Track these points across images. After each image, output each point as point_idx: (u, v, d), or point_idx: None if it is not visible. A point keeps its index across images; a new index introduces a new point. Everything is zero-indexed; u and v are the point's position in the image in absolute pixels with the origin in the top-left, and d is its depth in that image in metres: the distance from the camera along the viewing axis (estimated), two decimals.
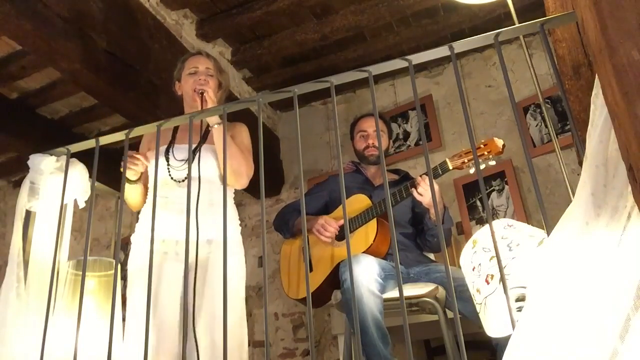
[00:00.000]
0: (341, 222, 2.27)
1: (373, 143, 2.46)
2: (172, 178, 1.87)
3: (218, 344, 1.67)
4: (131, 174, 1.85)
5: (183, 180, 1.85)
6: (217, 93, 2.03)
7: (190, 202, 1.29)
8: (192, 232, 1.75)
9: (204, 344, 1.68)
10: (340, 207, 2.35)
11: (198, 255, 1.78)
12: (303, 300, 2.35)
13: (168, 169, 1.89)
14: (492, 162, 2.05)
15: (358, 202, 2.30)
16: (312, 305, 2.45)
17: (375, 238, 2.16)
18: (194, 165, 1.84)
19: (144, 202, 1.98)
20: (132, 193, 1.94)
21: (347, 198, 2.33)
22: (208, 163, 1.89)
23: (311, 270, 2.31)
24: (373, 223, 2.21)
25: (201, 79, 1.95)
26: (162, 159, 1.90)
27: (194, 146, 1.90)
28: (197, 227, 1.76)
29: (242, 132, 2.04)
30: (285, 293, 2.45)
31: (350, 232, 2.25)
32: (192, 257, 1.78)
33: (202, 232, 1.78)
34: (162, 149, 1.93)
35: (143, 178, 1.96)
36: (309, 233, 2.36)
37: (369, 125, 2.50)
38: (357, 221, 2.25)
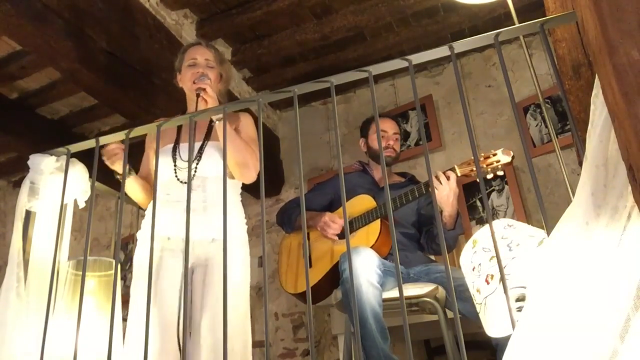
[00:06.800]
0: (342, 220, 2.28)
1: (393, 145, 2.49)
2: (178, 179, 1.85)
3: (222, 343, 1.67)
4: (118, 166, 1.79)
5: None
6: (218, 85, 1.97)
7: (190, 203, 1.29)
8: (198, 231, 1.76)
9: (208, 343, 1.68)
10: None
11: (201, 254, 1.78)
12: (299, 295, 2.35)
13: (175, 169, 1.86)
14: (501, 172, 2.05)
15: (362, 203, 2.29)
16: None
17: (377, 238, 2.16)
18: (199, 165, 1.84)
19: (150, 197, 1.94)
20: (130, 187, 1.89)
21: (352, 198, 2.34)
22: (213, 162, 1.85)
23: (311, 266, 2.31)
24: (376, 224, 2.21)
25: (199, 72, 1.89)
26: (168, 159, 1.87)
27: (199, 144, 1.89)
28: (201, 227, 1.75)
29: (248, 125, 1.98)
30: (282, 286, 2.45)
31: (353, 231, 2.25)
32: (197, 256, 1.79)
33: (208, 231, 1.77)
34: (169, 147, 1.90)
35: (145, 172, 1.93)
36: (312, 229, 2.36)
37: (389, 127, 2.52)
38: (361, 221, 2.24)
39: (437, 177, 2.08)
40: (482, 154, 2.06)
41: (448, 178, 2.08)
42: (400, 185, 2.43)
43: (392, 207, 2.18)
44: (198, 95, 1.81)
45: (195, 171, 1.84)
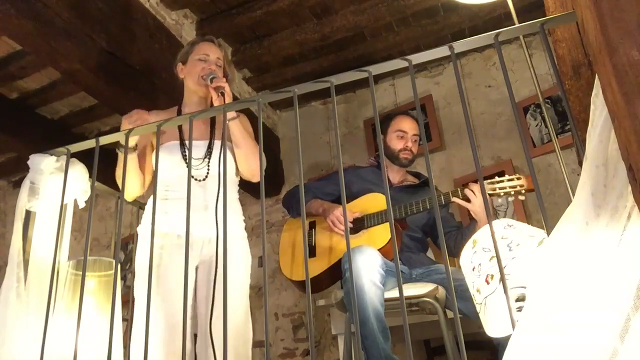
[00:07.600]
0: (356, 214, 2.26)
1: (411, 147, 2.40)
2: (192, 177, 1.83)
3: (231, 342, 1.66)
4: (133, 139, 1.74)
5: (204, 179, 1.82)
6: None
7: (190, 200, 1.29)
8: (206, 228, 1.77)
9: (218, 340, 1.68)
10: (356, 201, 2.34)
11: (208, 252, 1.79)
12: (297, 283, 2.33)
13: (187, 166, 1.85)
14: (522, 197, 2.04)
15: (377, 202, 2.28)
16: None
17: (388, 241, 2.14)
18: (210, 163, 1.85)
19: (141, 191, 1.91)
20: (129, 171, 1.79)
21: (366, 194, 2.33)
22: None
23: (314, 255, 2.30)
24: (388, 226, 2.20)
25: (211, 68, 1.88)
26: (175, 157, 1.84)
27: (207, 142, 1.88)
28: (218, 224, 1.75)
29: (246, 121, 1.98)
30: (280, 268, 2.43)
31: (364, 228, 2.25)
32: (204, 254, 1.80)
33: (214, 229, 1.77)
34: (174, 144, 1.87)
35: (141, 164, 1.89)
36: (323, 218, 2.34)
37: (409, 127, 2.42)
38: (373, 219, 2.23)
39: (471, 190, 2.06)
40: (506, 175, 2.06)
41: (473, 192, 2.06)
42: (413, 187, 2.41)
43: (408, 212, 2.18)
44: (222, 94, 1.79)
45: (208, 169, 1.84)
